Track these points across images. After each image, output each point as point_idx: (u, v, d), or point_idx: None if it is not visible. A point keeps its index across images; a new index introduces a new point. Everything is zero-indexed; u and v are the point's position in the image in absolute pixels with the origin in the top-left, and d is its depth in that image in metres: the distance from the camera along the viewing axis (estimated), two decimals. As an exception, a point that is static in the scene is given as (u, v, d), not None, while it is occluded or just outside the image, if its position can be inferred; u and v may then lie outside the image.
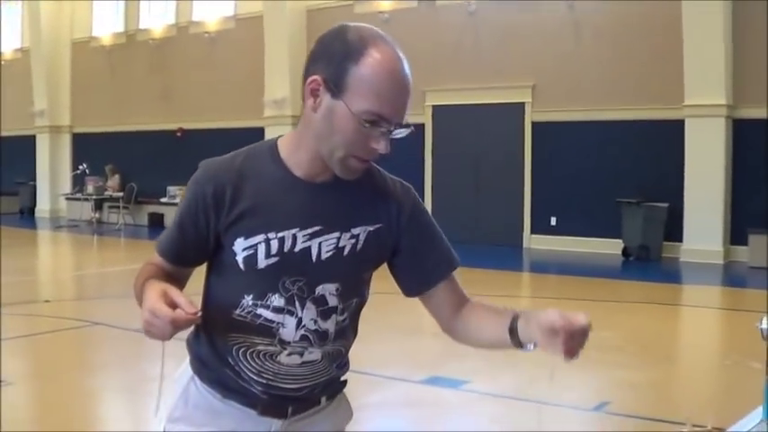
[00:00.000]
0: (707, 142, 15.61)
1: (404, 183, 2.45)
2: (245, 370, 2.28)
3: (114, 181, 24.10)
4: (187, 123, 22.95)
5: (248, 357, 2.27)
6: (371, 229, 2.30)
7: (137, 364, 8.18)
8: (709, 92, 15.49)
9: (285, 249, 2.20)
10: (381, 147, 2.12)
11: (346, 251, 2.27)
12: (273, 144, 2.27)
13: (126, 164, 24.03)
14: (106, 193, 23.85)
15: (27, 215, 27.14)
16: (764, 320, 3.26)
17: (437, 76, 18.55)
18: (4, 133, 27.29)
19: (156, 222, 22.94)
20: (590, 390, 7.34)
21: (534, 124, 17.87)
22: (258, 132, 20.58)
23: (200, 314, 2.00)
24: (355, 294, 2.35)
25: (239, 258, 2.20)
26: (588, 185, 17.14)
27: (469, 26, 18.47)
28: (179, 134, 23.10)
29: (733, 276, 14.82)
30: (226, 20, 22.54)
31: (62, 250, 19.98)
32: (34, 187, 27.28)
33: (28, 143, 27.19)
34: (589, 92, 17.07)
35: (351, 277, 2.31)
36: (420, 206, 2.45)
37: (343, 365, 2.46)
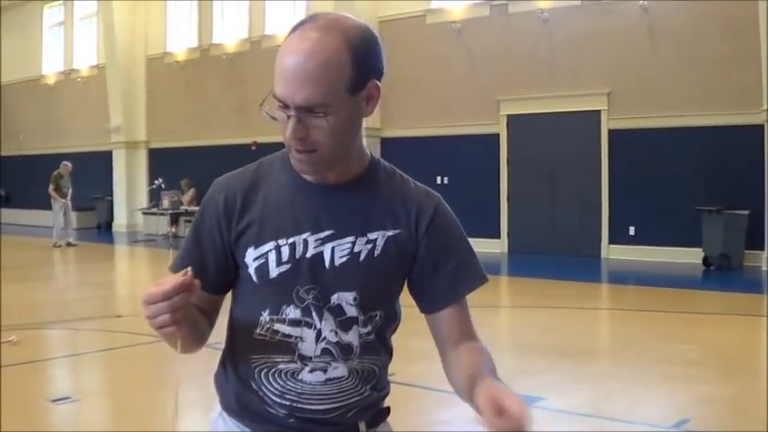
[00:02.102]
0: (788, 147, 15.24)
1: (431, 191, 2.26)
2: (268, 393, 2.15)
3: (189, 195, 24.27)
4: (261, 137, 22.95)
5: (270, 378, 2.15)
6: (390, 234, 2.14)
7: (209, 380, 8.12)
8: (789, 94, 15.12)
9: (297, 256, 2.08)
10: (285, 131, 1.98)
11: (362, 257, 2.10)
12: (286, 151, 2.10)
13: (201, 178, 24.08)
14: (182, 207, 24.01)
15: (104, 230, 27.48)
16: None
17: (511, 85, 18.41)
18: (82, 149, 27.65)
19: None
20: (669, 406, 7.09)
21: (611, 132, 17.61)
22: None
23: (189, 272, 1.88)
24: (379, 307, 2.17)
25: (251, 270, 2.10)
26: (667, 193, 16.82)
27: (543, 33, 18.26)
28: (254, 147, 23.12)
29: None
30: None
31: (138, 265, 20.13)
32: (111, 202, 27.66)
33: (105, 159, 27.53)
34: (666, 97, 16.77)
35: (370, 286, 2.12)
36: (445, 216, 2.24)
37: (382, 388, 2.28)
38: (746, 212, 15.68)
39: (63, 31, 31.50)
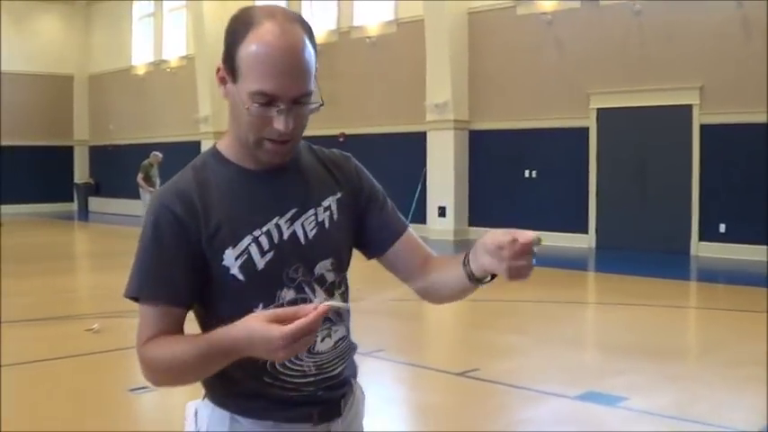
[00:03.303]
0: None
1: (342, 152, 2.43)
2: (289, 379, 2.18)
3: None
4: (349, 128, 23.08)
5: (286, 366, 2.17)
6: (338, 196, 2.29)
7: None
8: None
9: (276, 241, 2.13)
10: (280, 125, 2.03)
11: (327, 224, 2.23)
12: (213, 149, 2.21)
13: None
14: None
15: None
16: None
17: (601, 78, 18.21)
18: (171, 139, 28.02)
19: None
20: (755, 410, 6.95)
21: (702, 127, 17.29)
22: (420, 137, 20.67)
23: (328, 304, 1.91)
24: (347, 265, 2.32)
25: (234, 270, 2.10)
26: (759, 190, 16.49)
27: (634, 26, 18.00)
28: (341, 139, 23.24)
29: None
30: (387, 24, 22.61)
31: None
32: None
33: (193, 148, 27.78)
34: (759, 92, 16.40)
35: (340, 249, 2.28)
36: (363, 169, 2.42)
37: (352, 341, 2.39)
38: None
39: (153, 23, 31.98)
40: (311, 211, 2.20)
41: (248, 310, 2.02)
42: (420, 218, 21.01)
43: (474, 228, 20.69)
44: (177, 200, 2.08)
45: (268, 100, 2.00)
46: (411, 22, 21.59)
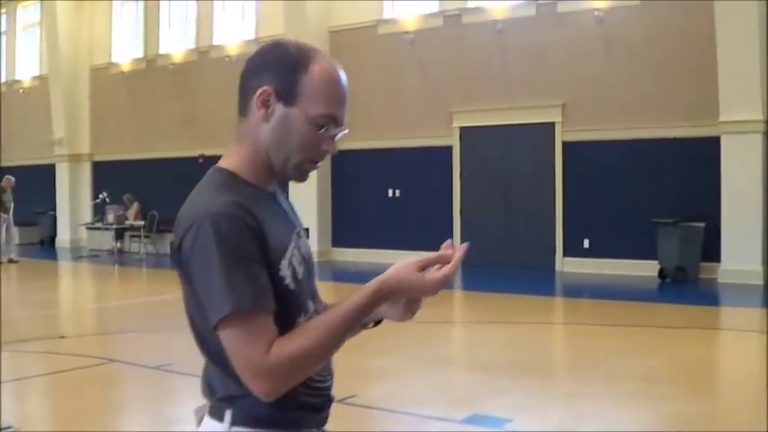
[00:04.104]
0: (743, 159, 15.16)
1: None
2: (317, 385, 2.29)
3: (134, 209, 23.75)
4: (209, 149, 22.54)
5: (316, 372, 2.26)
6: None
7: (156, 406, 7.75)
8: (745, 107, 15.06)
9: (302, 254, 2.28)
10: (331, 147, 2.27)
11: (307, 244, 2.38)
12: (224, 171, 2.27)
13: (147, 191, 23.69)
14: (127, 222, 23.49)
15: (47, 245, 26.84)
16: None
17: (464, 97, 18.20)
18: (24, 162, 27.07)
19: (179, 251, 22.49)
20: (645, 426, 6.85)
21: (565, 144, 17.44)
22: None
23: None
24: None
25: (288, 281, 2.19)
26: (622, 206, 16.69)
27: (496, 45, 18.04)
28: (201, 160, 22.69)
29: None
30: (247, 43, 22.16)
31: (82, 282, 19.62)
32: (54, 217, 27.02)
33: (47, 172, 26.95)
34: (621, 109, 16.63)
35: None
36: None
37: None
38: (702, 225, 15.58)
39: (5, 41, 30.83)
40: (302, 231, 2.37)
41: (291, 322, 2.16)
42: (283, 240, 20.61)
43: (338, 248, 20.46)
44: (242, 211, 2.11)
45: (328, 123, 2.22)
46: (272, 40, 21.19)
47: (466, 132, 18.66)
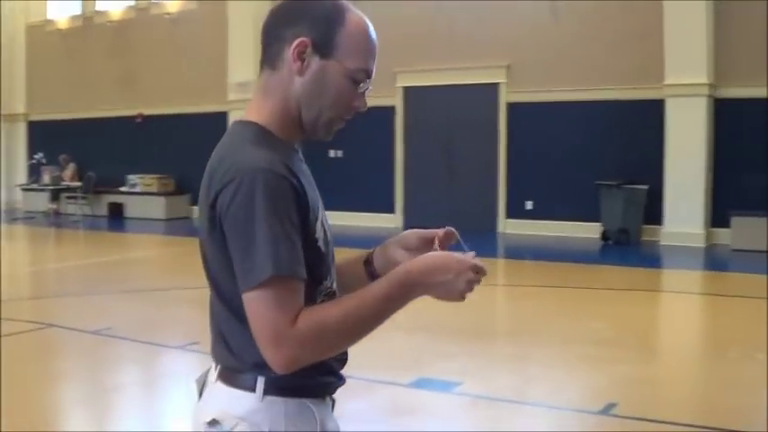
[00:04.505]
0: (688, 122, 15.22)
1: None
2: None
3: (71, 170, 23.29)
4: (147, 109, 22.23)
5: None
6: None
7: (94, 372, 7.54)
8: (691, 70, 15.09)
9: (326, 218, 2.22)
10: (362, 103, 2.19)
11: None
12: (254, 125, 2.14)
13: (84, 152, 23.23)
14: (63, 183, 23.06)
15: (-19, 207, 26.32)
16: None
17: (408, 57, 17.98)
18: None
19: (116, 213, 22.19)
20: (593, 389, 6.77)
21: (509, 105, 17.38)
22: (221, 117, 19.97)
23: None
24: None
25: (320, 242, 2.13)
26: (565, 168, 16.66)
27: (442, 5, 17.84)
28: (139, 120, 22.38)
29: (716, 260, 14.43)
30: (188, 1, 21.80)
31: (18, 244, 19.17)
32: (-12, 178, 26.47)
33: None
34: (566, 71, 16.57)
35: None
36: None
37: None
38: (645, 187, 15.63)
39: None
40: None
41: (320, 284, 2.12)
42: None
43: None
44: (286, 170, 2.02)
45: (363, 78, 2.14)
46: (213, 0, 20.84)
47: (409, 92, 18.52)
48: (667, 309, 11.02)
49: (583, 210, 16.34)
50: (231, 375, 2.11)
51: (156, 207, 21.39)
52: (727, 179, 15.30)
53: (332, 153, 19.30)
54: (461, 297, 2.08)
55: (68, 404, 6.88)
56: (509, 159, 17.47)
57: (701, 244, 15.15)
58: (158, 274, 13.30)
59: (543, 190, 17.04)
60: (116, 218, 21.92)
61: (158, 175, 21.55)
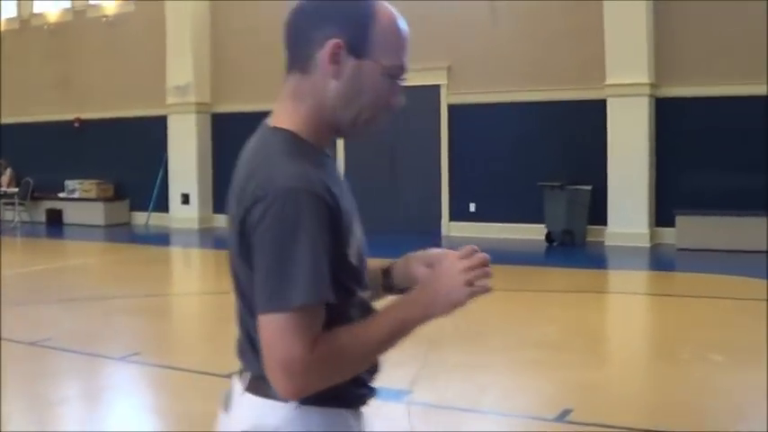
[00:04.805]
0: (630, 122, 15.25)
1: None
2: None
3: (8, 176, 22.85)
4: (85, 113, 21.84)
5: None
6: None
7: (34, 385, 7.30)
8: (632, 70, 15.12)
9: (359, 224, 2.15)
10: (400, 99, 2.14)
11: None
12: (289, 133, 2.06)
13: (21, 157, 22.75)
14: (0, 189, 22.61)
15: None
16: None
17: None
18: None
19: (55, 219, 21.76)
20: (547, 396, 6.67)
21: (450, 107, 17.30)
22: (161, 121, 19.77)
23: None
24: None
25: (352, 258, 2.06)
26: (508, 169, 16.61)
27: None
28: (77, 124, 21.99)
29: (661, 259, 14.45)
30: (125, 3, 21.47)
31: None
32: None
33: None
34: (507, 72, 16.52)
35: None
36: None
37: None
38: (589, 188, 15.61)
39: None
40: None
41: (352, 296, 2.06)
42: (162, 206, 20.20)
43: (220, 215, 19.95)
44: (322, 188, 1.95)
45: (400, 74, 2.09)
46: (151, 0, 20.51)
47: (350, 96, 18.32)
48: (615, 310, 11.00)
49: (526, 211, 16.29)
50: (263, 385, 2.02)
51: (95, 213, 20.99)
52: (670, 178, 15.36)
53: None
54: (462, 301, 2.04)
55: (8, 419, 6.64)
56: (451, 161, 17.39)
57: (645, 244, 15.18)
58: (98, 283, 13.01)
59: (486, 192, 16.98)
60: (54, 224, 21.47)
61: (97, 181, 21.18)
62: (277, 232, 1.88)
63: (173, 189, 20.20)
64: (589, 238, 15.71)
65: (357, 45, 2.03)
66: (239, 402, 2.12)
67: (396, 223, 17.53)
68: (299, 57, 2.08)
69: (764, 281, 11.46)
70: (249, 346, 2.08)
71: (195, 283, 13.59)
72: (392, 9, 2.09)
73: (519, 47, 16.38)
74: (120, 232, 19.56)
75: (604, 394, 6.78)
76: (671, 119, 15.21)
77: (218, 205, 19.87)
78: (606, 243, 15.44)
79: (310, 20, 2.07)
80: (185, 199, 19.98)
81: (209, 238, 18.29)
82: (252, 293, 1.96)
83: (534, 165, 16.24)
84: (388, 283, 2.34)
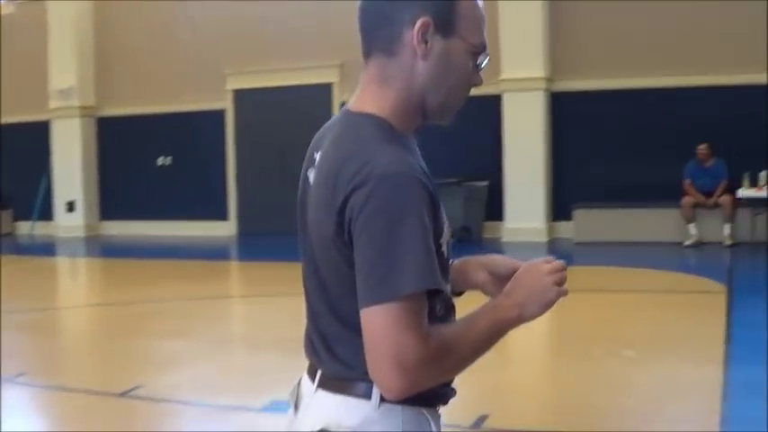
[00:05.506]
0: (525, 117, 15.26)
1: None
2: None
3: None
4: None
5: None
6: None
7: None
8: (527, 64, 15.13)
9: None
10: (480, 78, 2.08)
11: None
12: (381, 119, 1.99)
13: None
14: None
15: None
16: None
17: (238, 58, 17.58)
18: None
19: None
20: (462, 402, 6.37)
21: (343, 105, 16.90)
22: (43, 126, 19.11)
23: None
24: None
25: (444, 248, 1.99)
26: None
27: (273, 3, 17.35)
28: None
29: (559, 254, 14.25)
30: (5, 4, 20.67)
31: None
32: None
33: None
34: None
35: None
36: None
37: None
38: (485, 183, 15.55)
39: None
40: None
41: (442, 290, 1.94)
42: (47, 214, 19.53)
43: (107, 222, 19.40)
44: (422, 174, 1.90)
45: (483, 51, 2.05)
46: (32, 1, 19.78)
47: (240, 95, 18.03)
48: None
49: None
50: (340, 383, 1.98)
51: (-24, 223, 20.22)
52: (566, 172, 15.41)
53: (160, 160, 18.66)
54: (554, 299, 2.02)
55: None
56: (343, 160, 17.10)
57: (543, 239, 15.20)
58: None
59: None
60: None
61: (-23, 189, 20.41)
62: (382, 218, 1.81)
63: (57, 196, 19.57)
64: (486, 235, 15.67)
65: (445, 23, 1.97)
66: (312, 401, 2.05)
67: (288, 226, 16.90)
68: (381, 39, 2.00)
69: (664, 272, 11.47)
70: (322, 344, 2.02)
71: (83, 295, 13.05)
72: None
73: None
74: (3, 243, 18.81)
75: (521, 397, 6.64)
76: (566, 113, 15.23)
77: (106, 212, 19.37)
78: (503, 239, 15.38)
79: (392, 0, 1.98)
80: (70, 206, 19.35)
81: (96, 247, 17.74)
82: (339, 286, 1.93)
83: (430, 161, 15.66)
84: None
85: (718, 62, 14.60)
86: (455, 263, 2.24)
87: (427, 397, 1.97)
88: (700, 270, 12.38)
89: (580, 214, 14.89)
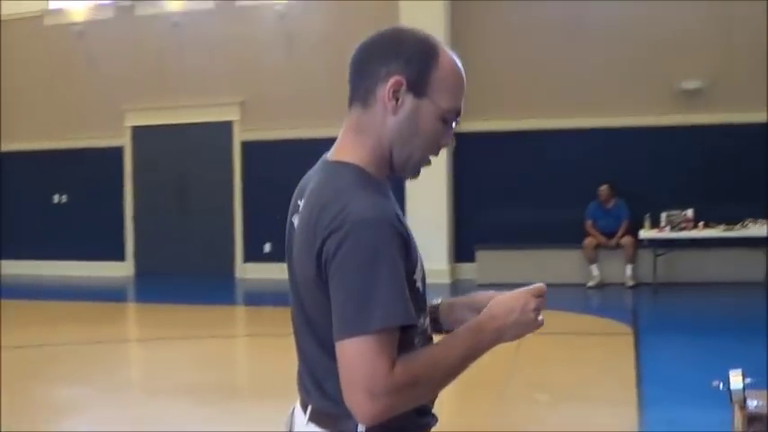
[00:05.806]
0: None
1: None
2: None
3: None
4: None
5: None
6: None
7: None
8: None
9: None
10: (450, 140, 2.19)
11: None
12: (356, 167, 2.13)
13: None
14: None
15: None
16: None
17: (137, 95, 17.18)
18: None
19: None
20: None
21: (244, 144, 16.80)
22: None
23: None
24: None
25: (419, 283, 2.10)
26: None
27: (173, 39, 17.05)
28: None
29: (461, 295, 14.24)
30: None
31: None
32: None
33: None
34: (303, 108, 16.14)
35: None
36: None
37: None
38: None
39: None
40: None
41: (415, 324, 2.03)
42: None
43: (1, 261, 18.72)
44: (395, 217, 2.02)
45: (455, 117, 2.17)
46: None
47: (138, 132, 17.59)
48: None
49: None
50: (328, 418, 2.09)
51: None
52: (469, 213, 15.43)
53: (56, 198, 18.16)
54: (536, 325, 2.13)
55: None
56: (245, 200, 16.89)
57: (446, 280, 15.10)
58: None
59: (282, 231, 16.43)
60: None
61: None
62: (355, 260, 1.91)
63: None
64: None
65: (417, 84, 2.09)
66: None
67: (188, 266, 16.92)
68: (360, 90, 2.14)
69: (570, 313, 11.44)
70: (311, 379, 2.13)
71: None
72: (453, 53, 2.19)
73: (316, 81, 15.87)
74: None
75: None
76: (469, 154, 15.13)
77: (0, 251, 18.68)
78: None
79: (374, 55, 2.12)
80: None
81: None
82: (324, 321, 2.00)
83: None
84: (435, 327, 2.30)
85: (617, 104, 14.80)
86: (443, 305, 2.36)
87: (409, 428, 2.09)
88: (604, 311, 12.42)
89: (483, 255, 14.85)
